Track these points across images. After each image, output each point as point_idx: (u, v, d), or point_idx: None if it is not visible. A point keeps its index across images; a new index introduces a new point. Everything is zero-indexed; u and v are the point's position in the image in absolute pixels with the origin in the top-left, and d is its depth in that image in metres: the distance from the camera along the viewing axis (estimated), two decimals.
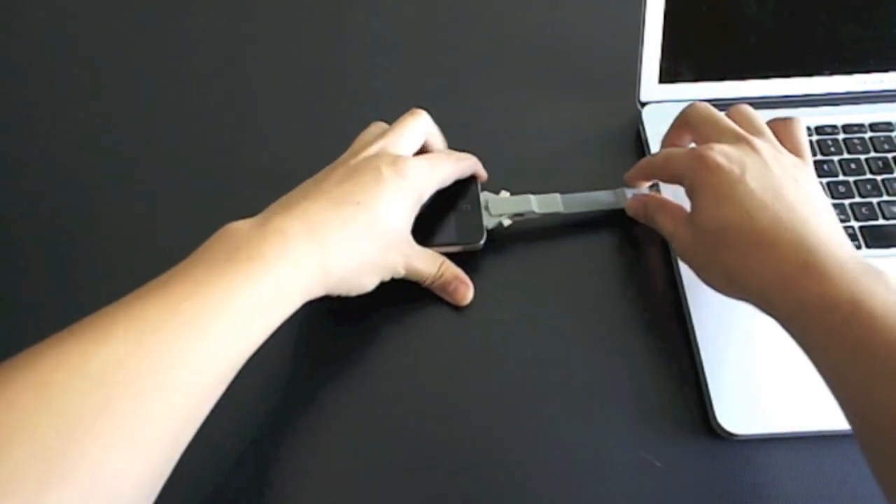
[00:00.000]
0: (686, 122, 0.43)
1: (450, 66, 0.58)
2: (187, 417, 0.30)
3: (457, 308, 0.44)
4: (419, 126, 0.43)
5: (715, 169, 0.37)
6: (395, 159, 0.40)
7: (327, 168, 0.41)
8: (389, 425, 0.40)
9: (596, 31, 0.59)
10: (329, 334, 0.44)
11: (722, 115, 0.41)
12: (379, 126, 0.45)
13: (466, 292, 0.44)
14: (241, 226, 0.35)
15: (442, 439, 0.39)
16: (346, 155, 0.42)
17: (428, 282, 0.43)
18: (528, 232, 0.47)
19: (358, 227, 0.37)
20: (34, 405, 0.25)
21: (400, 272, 0.41)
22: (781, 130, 0.41)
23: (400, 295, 0.43)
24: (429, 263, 0.43)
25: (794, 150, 0.40)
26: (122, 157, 0.53)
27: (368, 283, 0.40)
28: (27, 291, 0.46)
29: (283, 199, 0.38)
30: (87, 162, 0.53)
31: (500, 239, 0.46)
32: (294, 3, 0.64)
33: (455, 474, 0.38)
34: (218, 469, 0.39)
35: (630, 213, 0.46)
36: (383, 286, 0.41)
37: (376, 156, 0.40)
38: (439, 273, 0.43)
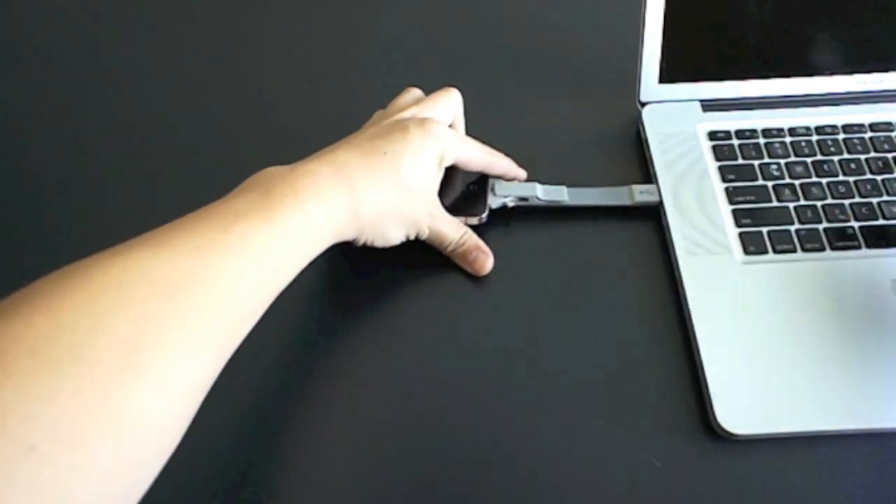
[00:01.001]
0: None
1: (451, 66, 0.58)
2: (235, 328, 0.31)
3: (472, 279, 0.45)
4: (453, 102, 0.46)
5: None
6: (424, 120, 0.42)
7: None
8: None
9: (596, 31, 0.59)
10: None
11: None
12: (413, 92, 0.47)
13: (486, 262, 0.45)
14: (275, 169, 0.37)
15: (433, 433, 0.39)
16: (378, 118, 0.44)
17: (450, 248, 0.44)
18: (531, 228, 0.47)
19: (385, 174, 0.39)
20: (114, 302, 0.27)
21: (424, 230, 0.43)
22: None
23: (419, 261, 0.45)
24: (452, 228, 0.44)
25: None
26: (124, 156, 0.53)
27: (394, 235, 0.42)
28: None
29: (316, 152, 0.40)
30: (86, 161, 0.53)
31: (506, 226, 0.47)
32: (297, 2, 0.64)
33: (450, 468, 0.38)
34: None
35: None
36: (404, 252, 0.42)
37: (407, 118, 0.43)
38: (462, 240, 0.44)
